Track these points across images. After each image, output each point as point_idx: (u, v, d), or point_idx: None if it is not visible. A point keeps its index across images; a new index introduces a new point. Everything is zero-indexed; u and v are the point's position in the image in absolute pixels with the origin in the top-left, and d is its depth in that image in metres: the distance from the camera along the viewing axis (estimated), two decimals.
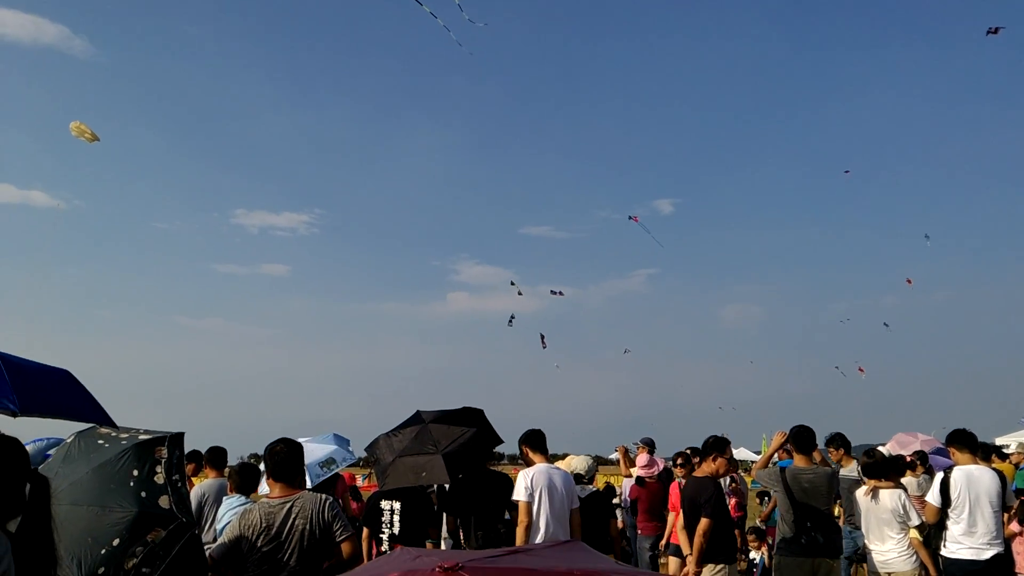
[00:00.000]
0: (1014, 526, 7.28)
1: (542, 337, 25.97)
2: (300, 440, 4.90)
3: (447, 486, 6.65)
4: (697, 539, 6.00)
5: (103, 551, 3.35)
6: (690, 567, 6.03)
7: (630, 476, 9.84)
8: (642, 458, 9.13)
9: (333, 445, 8.77)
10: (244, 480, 6.20)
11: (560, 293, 24.59)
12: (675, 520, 7.67)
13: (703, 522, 5.98)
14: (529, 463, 6.35)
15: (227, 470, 6.98)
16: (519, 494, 5.95)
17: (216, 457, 7.26)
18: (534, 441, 6.45)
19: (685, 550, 6.29)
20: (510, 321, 24.07)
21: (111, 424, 4.61)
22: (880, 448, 9.18)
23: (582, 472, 7.48)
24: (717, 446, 6.36)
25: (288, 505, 4.14)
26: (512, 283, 23.94)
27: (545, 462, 6.25)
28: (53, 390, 4.42)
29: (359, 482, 19.36)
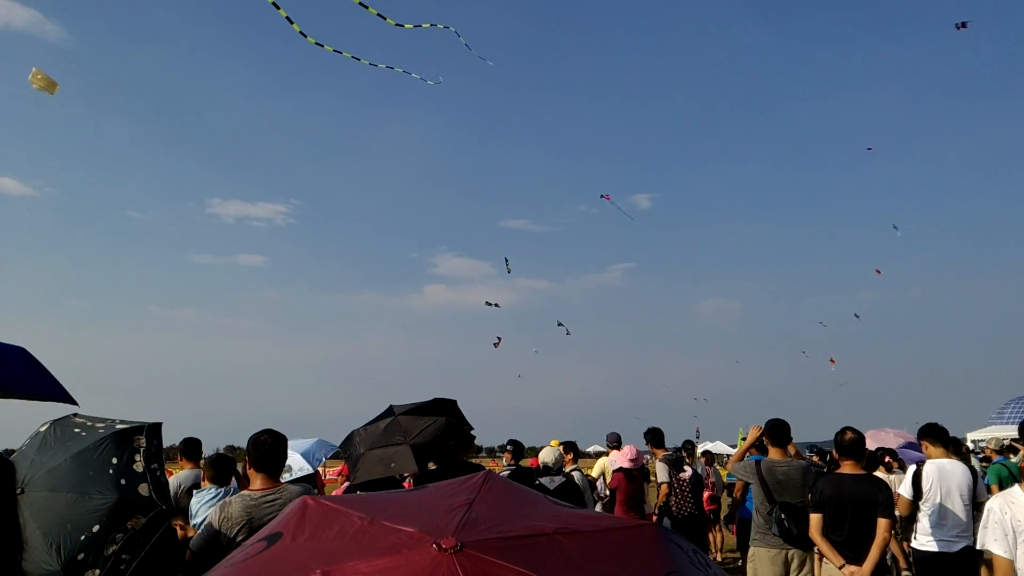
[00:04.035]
0: None
1: (498, 340, 27.13)
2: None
3: (418, 475, 6.74)
4: (883, 538, 5.31)
5: (83, 537, 3.33)
6: (866, 569, 5.29)
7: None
8: (631, 451, 9.07)
9: (295, 454, 8.67)
10: (218, 472, 6.12)
11: (496, 305, 26.15)
12: None
13: (884, 522, 5.33)
14: None
15: (202, 461, 6.93)
16: None
17: (190, 448, 7.22)
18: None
19: (833, 556, 5.47)
20: (488, 303, 25.64)
21: (70, 400, 4.56)
22: None
23: (550, 463, 7.52)
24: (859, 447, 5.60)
25: (270, 497, 4.05)
26: (506, 260, 25.35)
27: None
28: (8, 367, 4.33)
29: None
